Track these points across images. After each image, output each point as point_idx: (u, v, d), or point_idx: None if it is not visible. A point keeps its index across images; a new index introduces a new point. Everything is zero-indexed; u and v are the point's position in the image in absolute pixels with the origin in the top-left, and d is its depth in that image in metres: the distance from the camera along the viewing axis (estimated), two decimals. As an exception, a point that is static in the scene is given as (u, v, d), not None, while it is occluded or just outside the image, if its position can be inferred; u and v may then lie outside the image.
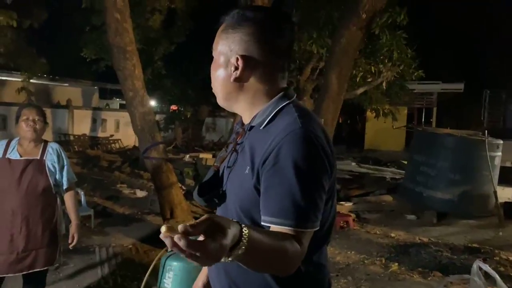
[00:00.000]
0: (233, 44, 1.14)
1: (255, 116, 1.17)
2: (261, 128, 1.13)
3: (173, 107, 19.02)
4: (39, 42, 11.15)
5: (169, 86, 16.36)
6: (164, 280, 2.82)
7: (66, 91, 19.93)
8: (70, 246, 2.80)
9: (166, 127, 18.18)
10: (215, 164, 1.28)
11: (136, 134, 5.48)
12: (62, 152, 2.78)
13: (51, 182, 2.68)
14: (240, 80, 1.15)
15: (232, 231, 0.83)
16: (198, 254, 0.78)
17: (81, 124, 17.16)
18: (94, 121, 18.26)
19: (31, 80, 11.76)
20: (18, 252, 2.58)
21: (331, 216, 1.18)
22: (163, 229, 0.78)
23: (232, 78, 1.15)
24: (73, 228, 2.80)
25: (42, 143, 2.73)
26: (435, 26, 18.44)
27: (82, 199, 6.02)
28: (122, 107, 22.82)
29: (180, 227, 0.77)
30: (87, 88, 21.54)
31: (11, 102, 13.74)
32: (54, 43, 17.94)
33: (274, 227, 1.02)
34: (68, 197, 2.83)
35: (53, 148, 2.74)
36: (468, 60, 18.94)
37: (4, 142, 2.70)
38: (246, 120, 1.22)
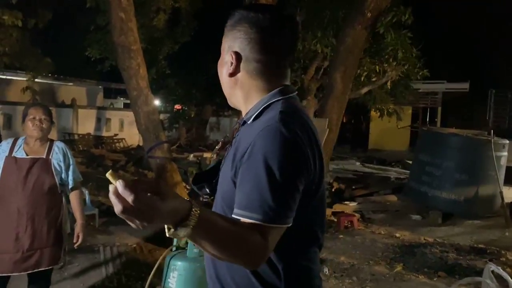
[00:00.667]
0: (230, 42, 1.20)
1: (248, 111, 1.21)
2: (249, 122, 1.18)
3: (177, 106, 19.03)
4: (44, 42, 11.20)
5: (173, 86, 16.38)
6: (169, 280, 2.81)
7: (70, 90, 19.99)
8: (75, 246, 2.79)
9: (170, 127, 18.19)
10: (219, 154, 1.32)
11: (140, 133, 5.48)
12: (68, 151, 2.78)
13: (56, 181, 2.67)
14: (233, 75, 1.20)
15: (174, 203, 0.85)
16: (130, 205, 0.79)
17: (85, 123, 17.22)
18: (98, 120, 18.32)
19: (36, 80, 11.78)
20: (24, 251, 2.58)
21: (319, 217, 1.17)
22: (108, 173, 0.82)
23: (227, 73, 1.21)
24: (78, 228, 2.79)
25: (48, 142, 2.73)
26: (440, 25, 18.35)
27: (87, 198, 6.03)
28: (127, 106, 22.88)
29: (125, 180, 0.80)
30: (92, 87, 21.61)
31: (16, 102, 13.81)
32: (59, 43, 18.01)
33: (243, 220, 1.01)
34: (74, 196, 2.82)
35: (59, 147, 2.74)
36: (473, 59, 18.84)
37: (11, 140, 2.70)
38: (243, 116, 1.26)
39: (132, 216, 0.82)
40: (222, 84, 1.26)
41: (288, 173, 1.03)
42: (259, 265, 1.02)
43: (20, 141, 2.68)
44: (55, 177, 2.67)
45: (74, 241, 2.78)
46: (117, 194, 0.80)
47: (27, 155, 2.63)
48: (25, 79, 12.13)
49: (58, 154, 2.70)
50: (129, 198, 0.79)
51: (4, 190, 2.59)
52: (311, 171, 1.09)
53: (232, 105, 1.30)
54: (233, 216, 1.04)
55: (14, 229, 2.57)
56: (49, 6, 9.28)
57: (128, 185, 0.80)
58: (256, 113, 1.16)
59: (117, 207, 0.80)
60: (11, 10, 9.08)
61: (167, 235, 0.88)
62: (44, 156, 2.66)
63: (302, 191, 1.06)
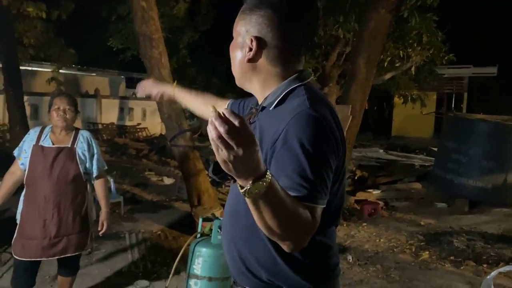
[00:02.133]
0: (249, 26, 1.17)
1: (266, 97, 1.20)
2: (270, 109, 1.17)
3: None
4: (67, 33, 11.35)
5: (194, 75, 16.41)
6: (194, 266, 2.83)
7: (94, 80, 20.29)
8: (100, 233, 2.85)
9: (191, 116, 18.29)
10: None
11: (163, 122, 5.51)
12: (92, 140, 2.80)
13: (81, 169, 2.71)
14: (253, 61, 1.18)
15: (260, 156, 0.87)
16: (232, 141, 0.81)
17: (109, 113, 17.48)
18: (121, 110, 18.56)
19: (61, 71, 11.99)
20: (51, 237, 2.64)
21: (338, 198, 1.21)
22: (211, 106, 0.83)
23: (246, 59, 1.18)
24: (103, 215, 2.85)
25: (74, 131, 2.76)
26: (467, 7, 17.74)
27: (112, 186, 6.14)
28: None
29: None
30: (114, 77, 21.87)
31: (42, 92, 14.11)
32: (81, 34, 18.24)
33: None
34: (99, 185, 2.87)
35: (83, 136, 2.77)
36: (501, 42, 18.18)
37: (38, 129, 2.75)
38: (260, 101, 1.24)
39: (232, 139, 0.81)
40: (235, 67, 1.24)
41: (325, 156, 1.06)
42: (304, 245, 1.03)
43: (47, 130, 2.73)
44: (80, 166, 2.70)
45: (99, 228, 2.84)
46: (221, 118, 0.81)
47: (53, 144, 2.68)
48: (50, 70, 12.36)
49: (83, 143, 2.74)
50: (236, 121, 0.81)
51: (31, 178, 2.64)
52: (340, 152, 1.13)
53: (240, 86, 1.28)
54: None
55: (42, 216, 2.63)
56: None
57: (234, 113, 0.82)
58: (279, 99, 1.16)
59: (221, 129, 0.80)
60: (35, 2, 9.23)
61: (241, 191, 0.89)
62: (69, 145, 2.70)
63: (334, 170, 1.10)
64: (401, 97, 12.53)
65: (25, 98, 8.85)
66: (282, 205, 0.94)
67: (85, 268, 3.91)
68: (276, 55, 1.16)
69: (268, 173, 0.89)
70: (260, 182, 0.88)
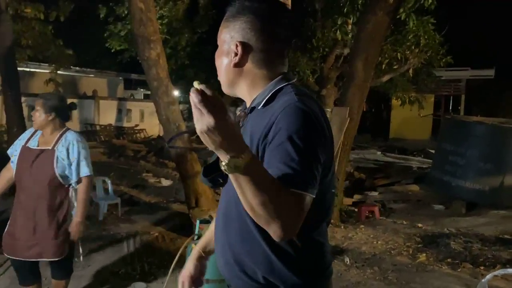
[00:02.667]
0: (233, 32, 1.20)
1: (254, 99, 1.24)
2: (259, 108, 1.20)
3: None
4: (65, 34, 11.33)
5: (192, 76, 16.39)
6: (191, 268, 2.83)
7: (92, 82, 20.29)
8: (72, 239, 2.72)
9: (189, 117, 18.28)
10: None
11: (161, 124, 5.52)
12: (76, 144, 2.66)
13: (56, 173, 2.60)
14: (239, 66, 1.21)
15: (238, 129, 0.94)
16: (204, 109, 0.89)
17: (106, 114, 17.48)
18: (119, 111, 18.56)
19: (59, 72, 11.98)
20: (26, 239, 2.60)
21: (329, 192, 1.23)
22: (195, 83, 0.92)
23: (232, 64, 1.21)
24: (72, 224, 2.69)
25: (60, 133, 2.67)
26: (465, 9, 17.80)
27: (109, 188, 6.14)
28: (147, 97, 23.07)
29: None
30: (112, 78, 21.88)
31: (40, 94, 14.11)
32: (79, 35, 18.23)
33: None
34: (78, 191, 2.71)
35: (67, 138, 2.66)
36: (499, 45, 18.25)
37: (33, 130, 2.73)
38: (248, 104, 1.28)
39: (204, 106, 0.89)
40: (221, 75, 1.27)
41: (313, 148, 1.08)
42: (293, 233, 1.03)
43: (39, 131, 2.71)
44: (55, 169, 2.59)
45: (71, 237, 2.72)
46: (197, 91, 0.90)
47: (38, 145, 2.65)
48: (48, 71, 12.35)
49: (63, 146, 2.63)
50: (209, 92, 0.91)
51: (17, 178, 2.65)
52: (328, 146, 1.16)
53: (229, 94, 1.31)
54: None
55: (21, 217, 2.63)
56: (69, -1, 9.38)
57: (209, 87, 0.91)
58: (267, 98, 1.19)
59: (195, 99, 0.89)
60: (33, 3, 9.22)
61: (221, 167, 0.95)
62: (51, 147, 2.62)
63: (323, 163, 1.11)
64: (399, 99, 12.58)
65: (23, 99, 8.83)
66: (265, 184, 0.96)
67: (81, 270, 3.90)
68: (261, 58, 1.21)
69: (248, 151, 0.94)
70: (239, 158, 0.92)
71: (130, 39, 10.06)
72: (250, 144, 1.15)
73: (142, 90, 25.43)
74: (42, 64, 13.66)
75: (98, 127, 16.47)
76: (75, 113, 17.59)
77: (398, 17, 7.76)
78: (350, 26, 9.11)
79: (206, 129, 0.90)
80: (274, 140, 1.08)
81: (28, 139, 2.69)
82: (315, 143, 1.09)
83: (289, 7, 5.43)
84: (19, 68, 8.75)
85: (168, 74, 5.33)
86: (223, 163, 0.94)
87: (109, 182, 6.19)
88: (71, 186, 2.71)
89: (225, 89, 1.30)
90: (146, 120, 18.73)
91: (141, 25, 5.05)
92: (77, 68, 17.78)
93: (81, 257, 2.79)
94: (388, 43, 9.24)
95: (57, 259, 2.67)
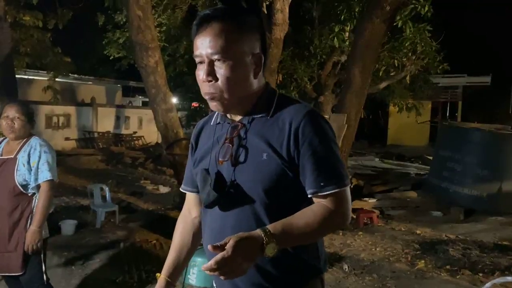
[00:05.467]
0: (246, 44, 1.21)
1: (253, 109, 1.25)
2: (268, 117, 1.24)
3: (194, 104, 19.10)
4: (63, 41, 11.38)
5: (191, 83, 16.42)
6: (189, 276, 2.83)
7: (90, 89, 20.27)
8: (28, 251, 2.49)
9: (188, 124, 18.31)
10: (219, 160, 1.28)
11: (159, 131, 5.53)
12: (39, 147, 2.53)
13: (17, 181, 2.48)
14: (257, 76, 1.25)
15: (247, 246, 1.04)
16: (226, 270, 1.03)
17: (105, 122, 17.45)
18: (117, 118, 18.54)
19: (57, 79, 11.99)
20: None
21: None
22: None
23: (253, 75, 1.24)
24: (27, 233, 2.47)
25: (24, 140, 2.56)
26: (461, 17, 17.94)
27: (107, 195, 6.12)
28: (145, 104, 23.07)
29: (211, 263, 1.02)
30: (110, 86, 21.87)
31: (38, 101, 14.08)
32: (78, 42, 18.26)
33: (320, 195, 1.20)
34: (38, 196, 2.54)
35: (30, 144, 2.55)
36: (495, 52, 18.38)
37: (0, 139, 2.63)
38: (238, 115, 1.28)
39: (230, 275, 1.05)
40: (240, 87, 1.22)
41: (336, 144, 1.26)
42: (349, 218, 1.25)
43: (6, 140, 2.60)
44: (16, 177, 2.48)
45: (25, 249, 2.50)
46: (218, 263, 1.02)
47: (1, 155, 2.54)
48: (46, 78, 12.35)
49: (25, 152, 2.51)
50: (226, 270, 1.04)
51: None
52: None
53: (227, 111, 1.28)
54: (309, 197, 1.21)
55: None
56: (68, 6, 9.41)
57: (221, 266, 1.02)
58: (273, 107, 1.25)
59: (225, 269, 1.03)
60: (32, 11, 9.25)
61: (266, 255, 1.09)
62: (13, 155, 2.51)
63: None
64: (396, 106, 12.61)
65: (21, 106, 8.82)
66: (302, 229, 1.15)
67: (79, 278, 3.88)
68: (263, 66, 1.27)
69: (265, 232, 1.08)
70: (267, 246, 1.06)
71: (129, 47, 10.08)
72: (269, 148, 1.20)
73: (140, 97, 25.46)
74: (40, 71, 13.66)
75: (96, 134, 16.44)
76: (73, 120, 17.66)
77: (395, 24, 7.82)
78: (347, 34, 9.17)
79: (242, 270, 1.06)
80: (306, 145, 1.19)
81: None
82: (336, 141, 1.27)
83: (287, 14, 5.49)
84: (17, 76, 8.77)
85: (166, 81, 5.35)
86: (266, 256, 1.08)
87: (107, 189, 6.17)
88: (35, 195, 2.56)
89: (231, 104, 1.24)
90: (144, 127, 18.72)
91: (139, 32, 5.07)
92: (75, 75, 17.76)
93: (44, 276, 2.54)
94: (385, 50, 9.29)
95: (19, 273, 2.50)
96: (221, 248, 1.02)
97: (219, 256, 1.00)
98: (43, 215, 2.50)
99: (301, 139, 1.19)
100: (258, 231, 1.07)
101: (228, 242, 1.02)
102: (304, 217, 1.16)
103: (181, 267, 1.46)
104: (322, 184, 1.19)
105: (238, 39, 1.19)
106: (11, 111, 2.49)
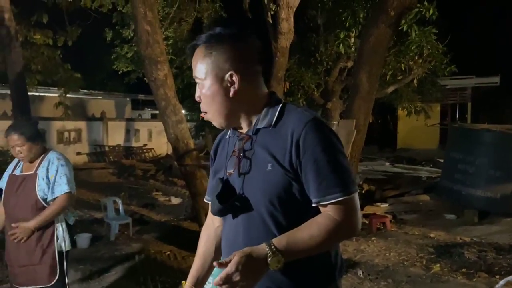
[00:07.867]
0: (219, 64, 1.24)
1: (257, 121, 1.27)
2: (271, 128, 1.25)
3: (203, 115, 19.19)
4: (73, 58, 11.59)
5: (199, 94, 16.56)
6: (204, 286, 2.84)
7: (100, 103, 20.54)
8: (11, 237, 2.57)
9: (197, 135, 18.41)
10: (228, 171, 1.33)
11: (170, 142, 5.58)
12: (56, 161, 2.62)
13: (38, 196, 2.57)
14: (237, 93, 1.25)
15: (252, 262, 1.09)
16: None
17: (115, 135, 17.62)
18: (127, 131, 18.71)
19: (67, 95, 12.19)
20: (18, 266, 2.61)
21: None
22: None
23: (232, 94, 1.25)
24: (21, 225, 2.55)
25: (41, 156, 2.65)
26: (467, 17, 17.87)
27: (120, 208, 6.18)
28: (154, 117, 23.28)
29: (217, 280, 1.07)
30: (120, 100, 22.13)
31: (49, 117, 14.32)
32: (87, 58, 18.53)
33: (327, 204, 1.18)
34: (53, 202, 2.61)
35: (48, 159, 2.64)
36: (503, 51, 18.24)
37: (17, 160, 2.72)
38: (244, 128, 1.31)
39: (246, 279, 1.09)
40: (217, 108, 1.27)
41: (342, 150, 1.24)
42: (359, 227, 1.24)
43: None
44: (38, 192, 2.57)
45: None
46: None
47: (22, 172, 2.65)
48: (57, 95, 12.56)
49: (43, 167, 2.60)
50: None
51: (4, 205, 2.66)
52: None
53: (223, 127, 1.33)
54: (314, 205, 1.20)
55: (10, 245, 2.63)
56: (77, 23, 9.59)
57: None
58: (276, 117, 1.25)
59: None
60: (42, 29, 9.45)
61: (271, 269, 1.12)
62: (33, 171, 2.61)
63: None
64: (405, 110, 12.58)
65: (33, 123, 8.97)
66: (308, 242, 1.15)
67: (96, 290, 3.92)
68: (250, 80, 1.26)
69: (269, 246, 1.11)
70: (272, 260, 1.09)
71: (137, 61, 10.23)
72: (273, 159, 1.20)
73: (149, 110, 25.69)
74: (51, 88, 13.90)
75: (107, 148, 16.60)
76: (84, 135, 17.86)
77: (400, 28, 7.84)
78: (352, 39, 9.22)
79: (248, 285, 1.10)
80: (309, 154, 1.17)
81: (14, 168, 2.70)
82: (341, 146, 1.24)
83: (292, 23, 5.54)
84: (29, 93, 8.93)
85: (175, 93, 5.41)
86: (272, 268, 1.11)
87: (119, 202, 6.24)
88: None
89: (221, 121, 1.31)
90: (154, 140, 18.86)
91: (148, 47, 5.16)
92: (85, 90, 18.03)
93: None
94: (391, 54, 9.31)
95: (46, 285, 2.58)
96: (226, 264, 1.07)
97: (223, 273, 1.06)
98: (45, 219, 2.56)
99: (303, 149, 1.18)
100: (264, 245, 1.11)
101: (233, 258, 1.08)
102: (308, 229, 1.16)
103: (205, 275, 1.47)
104: (325, 192, 1.17)
105: (203, 63, 1.26)
106: (12, 141, 2.56)
